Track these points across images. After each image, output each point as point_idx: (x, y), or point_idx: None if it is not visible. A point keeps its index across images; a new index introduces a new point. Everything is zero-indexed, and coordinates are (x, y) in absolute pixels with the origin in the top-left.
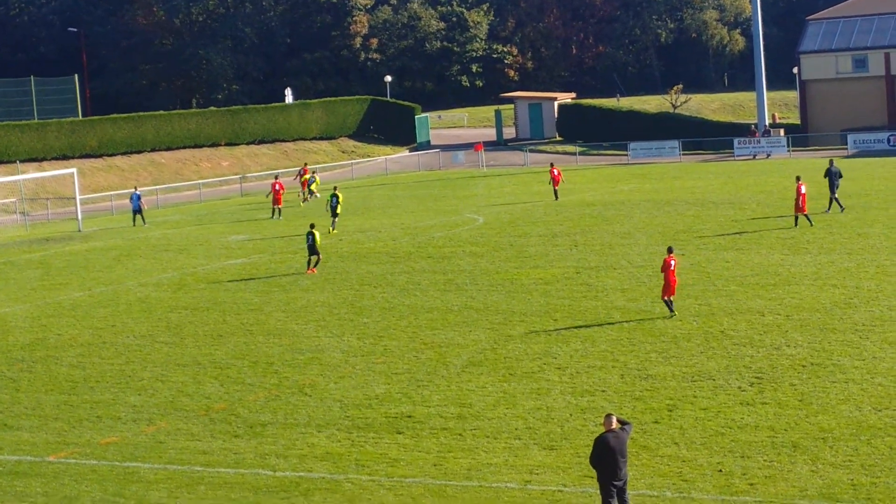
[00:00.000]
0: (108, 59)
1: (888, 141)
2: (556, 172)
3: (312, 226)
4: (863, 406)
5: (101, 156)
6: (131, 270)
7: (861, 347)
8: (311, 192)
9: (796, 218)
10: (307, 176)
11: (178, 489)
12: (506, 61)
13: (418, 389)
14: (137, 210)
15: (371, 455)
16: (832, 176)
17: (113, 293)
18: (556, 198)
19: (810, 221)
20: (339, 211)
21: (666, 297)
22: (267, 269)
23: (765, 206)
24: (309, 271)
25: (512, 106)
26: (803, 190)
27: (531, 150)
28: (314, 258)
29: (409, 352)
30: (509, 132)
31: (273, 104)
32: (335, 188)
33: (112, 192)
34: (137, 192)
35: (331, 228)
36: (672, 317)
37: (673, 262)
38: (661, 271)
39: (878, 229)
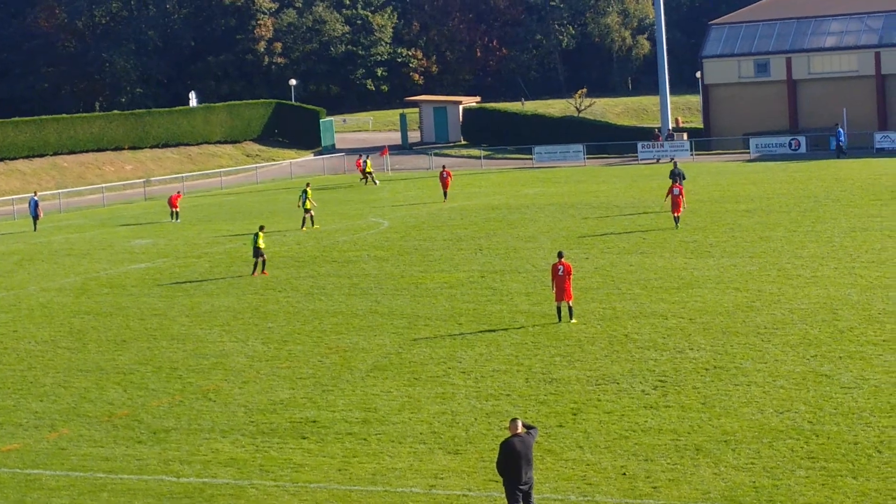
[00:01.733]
0: (10, 62)
1: (790, 145)
2: (446, 175)
3: (261, 228)
4: (765, 409)
5: (2, 159)
6: (33, 275)
7: (763, 350)
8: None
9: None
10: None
11: (81, 496)
12: (411, 65)
13: (323, 394)
14: (35, 216)
15: (275, 460)
16: (676, 178)
17: (14, 298)
18: (446, 198)
19: (676, 224)
20: (308, 206)
21: (558, 302)
22: (171, 273)
23: (668, 209)
24: (255, 274)
25: (417, 110)
26: (676, 192)
27: (436, 154)
28: (259, 260)
29: (314, 356)
30: (414, 136)
31: (177, 108)
32: (307, 185)
33: (13, 197)
34: (35, 198)
35: (306, 226)
36: (559, 323)
37: (562, 268)
38: (551, 277)
39: (780, 233)
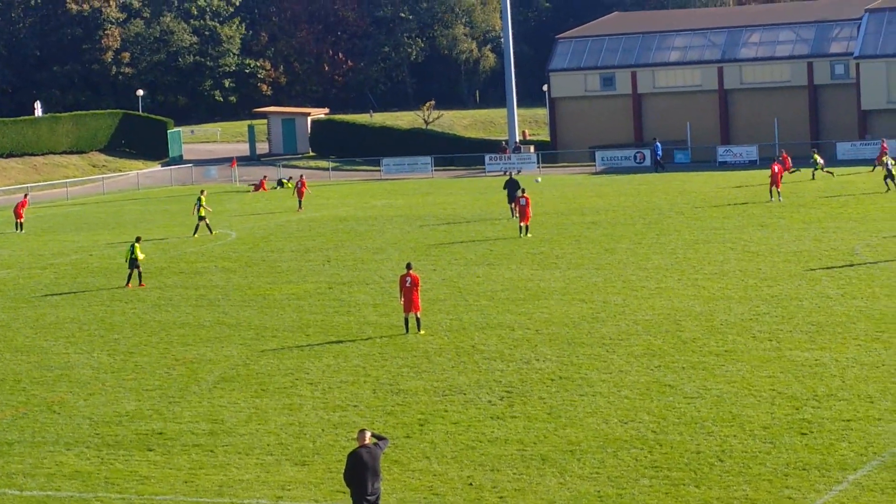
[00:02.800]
0: None
1: (634, 158)
2: (300, 185)
3: (137, 239)
4: (609, 419)
5: None
6: None
7: (608, 361)
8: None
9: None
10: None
11: None
12: (259, 76)
13: (170, 406)
14: None
15: (121, 473)
16: (511, 187)
17: None
18: (301, 208)
19: (523, 233)
20: (203, 213)
21: (406, 314)
22: (15, 284)
23: (515, 221)
24: (129, 286)
25: (265, 121)
26: (523, 202)
27: (285, 166)
28: (135, 272)
29: (161, 368)
30: (263, 147)
31: (22, 117)
32: (202, 192)
33: None
34: None
35: (199, 233)
36: (406, 334)
37: (410, 279)
38: (399, 288)
39: (625, 245)
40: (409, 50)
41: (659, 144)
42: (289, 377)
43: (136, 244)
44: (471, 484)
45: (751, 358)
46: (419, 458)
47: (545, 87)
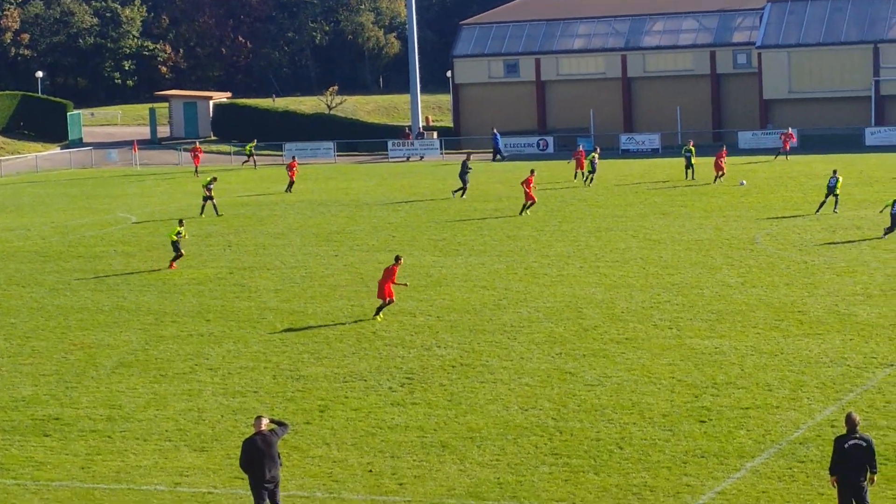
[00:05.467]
0: None
1: (538, 145)
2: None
3: (181, 221)
4: (510, 406)
5: None
6: None
7: (509, 348)
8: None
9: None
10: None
11: None
12: (159, 58)
13: (67, 391)
14: None
15: (16, 458)
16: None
17: None
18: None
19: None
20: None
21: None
22: None
23: (418, 207)
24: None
25: (167, 104)
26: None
27: (185, 150)
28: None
29: (58, 353)
30: (164, 131)
31: None
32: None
33: None
34: None
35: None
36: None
37: (389, 270)
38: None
39: (527, 232)
40: (314, 34)
41: (498, 135)
42: (188, 362)
43: (180, 227)
44: (370, 470)
45: (651, 346)
46: (319, 444)
47: (449, 74)
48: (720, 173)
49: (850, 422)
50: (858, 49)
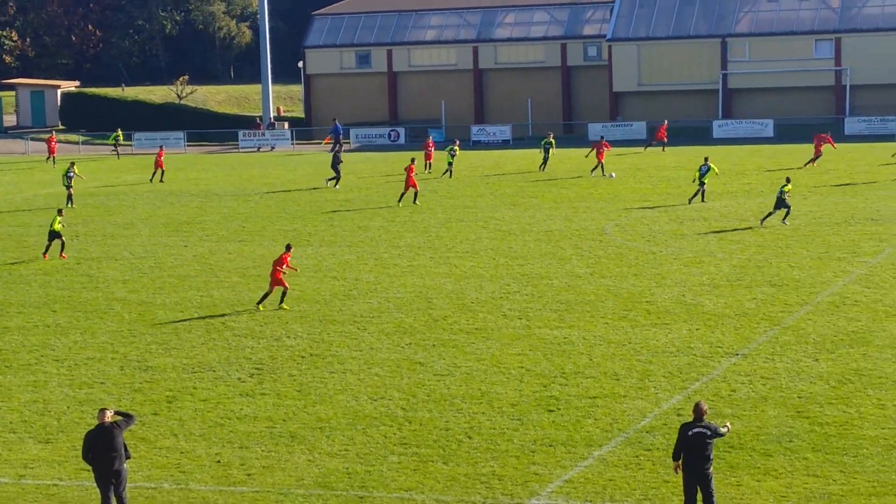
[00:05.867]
0: None
1: (389, 136)
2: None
3: (59, 211)
4: (359, 396)
5: None
6: None
7: (359, 338)
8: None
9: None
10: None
11: None
12: (6, 46)
13: None
14: None
15: None
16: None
17: None
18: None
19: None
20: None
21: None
22: None
23: (269, 198)
24: (45, 257)
25: (13, 93)
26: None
27: (33, 139)
28: (56, 242)
29: None
30: (10, 120)
31: None
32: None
33: None
34: None
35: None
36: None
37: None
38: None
39: (378, 223)
40: (164, 23)
41: (339, 126)
42: (34, 354)
43: (58, 217)
44: (219, 461)
45: (501, 336)
46: (167, 435)
47: (300, 64)
48: (597, 165)
49: (698, 410)
50: (707, 43)
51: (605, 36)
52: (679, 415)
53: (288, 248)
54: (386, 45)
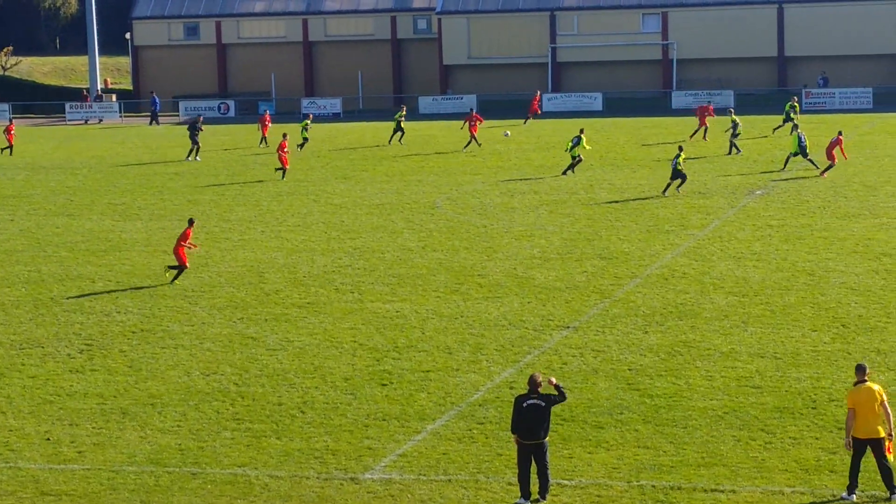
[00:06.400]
0: None
1: (219, 109)
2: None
3: None
4: (191, 371)
5: None
6: None
7: (190, 313)
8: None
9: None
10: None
11: None
12: None
13: None
14: None
15: None
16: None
17: None
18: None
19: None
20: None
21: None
22: None
23: (97, 171)
24: None
25: None
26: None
27: None
28: None
29: None
30: None
31: None
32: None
33: None
34: None
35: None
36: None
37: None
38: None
39: (209, 196)
40: None
41: (157, 98)
42: None
43: None
44: (48, 439)
45: (333, 310)
46: None
47: (128, 36)
48: (471, 139)
49: (532, 382)
50: (535, 16)
51: (434, 9)
52: (511, 388)
53: (191, 222)
54: (214, 16)
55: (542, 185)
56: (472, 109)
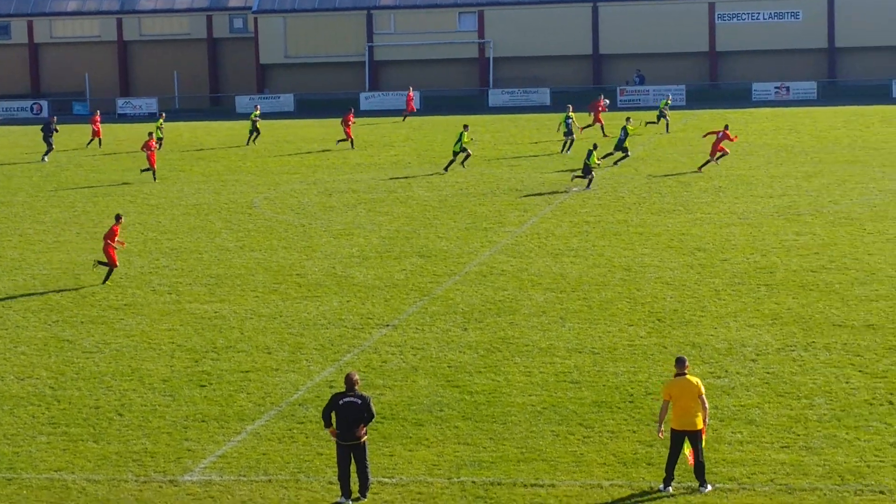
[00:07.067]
0: None
1: (31, 109)
2: None
3: None
4: (5, 375)
5: None
6: None
7: (4, 317)
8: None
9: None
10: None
11: None
12: None
13: None
14: None
15: None
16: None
17: None
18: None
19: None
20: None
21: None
22: None
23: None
24: None
25: None
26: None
27: None
28: None
29: None
30: None
31: None
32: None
33: None
34: None
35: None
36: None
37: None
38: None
39: (22, 198)
40: None
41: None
42: None
43: None
44: None
45: (151, 311)
46: None
47: None
48: (345, 137)
49: (349, 381)
50: (352, 15)
51: (251, 8)
52: (331, 386)
53: (118, 218)
54: (26, 16)
55: (359, 184)
56: (350, 109)
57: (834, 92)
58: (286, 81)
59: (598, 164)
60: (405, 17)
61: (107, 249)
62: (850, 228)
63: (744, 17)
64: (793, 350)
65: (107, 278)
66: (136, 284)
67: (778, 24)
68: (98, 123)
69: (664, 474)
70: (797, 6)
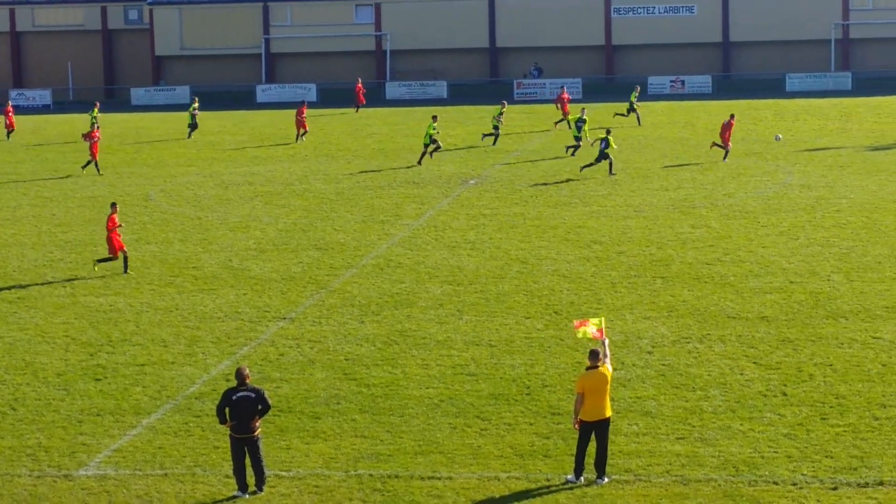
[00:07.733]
0: None
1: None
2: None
3: None
4: None
5: None
6: None
7: None
8: None
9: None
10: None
11: None
12: None
13: None
14: None
15: None
16: None
17: None
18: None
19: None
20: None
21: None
22: None
23: None
24: None
25: None
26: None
27: None
28: None
29: None
30: None
31: None
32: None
33: None
34: None
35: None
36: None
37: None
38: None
39: None
40: None
41: None
42: None
43: None
44: None
45: (45, 304)
46: None
47: None
48: (302, 131)
49: (240, 375)
50: (249, 7)
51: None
52: (227, 380)
53: (113, 206)
54: (9, 4)
55: (256, 177)
56: (303, 102)
57: (728, 86)
58: (182, 73)
59: (614, 147)
60: (302, 10)
61: (110, 240)
62: (745, 221)
63: (640, 11)
64: (688, 342)
65: (125, 266)
66: (30, 277)
67: (673, 19)
68: (11, 115)
69: (574, 465)
70: (692, 1)
